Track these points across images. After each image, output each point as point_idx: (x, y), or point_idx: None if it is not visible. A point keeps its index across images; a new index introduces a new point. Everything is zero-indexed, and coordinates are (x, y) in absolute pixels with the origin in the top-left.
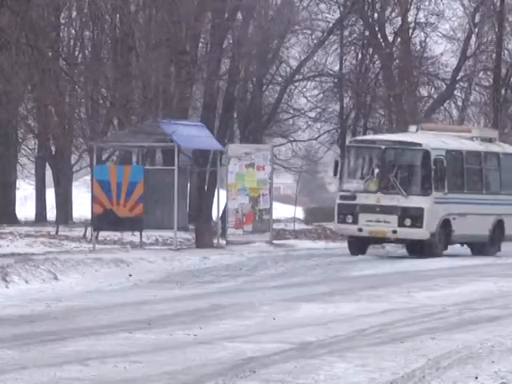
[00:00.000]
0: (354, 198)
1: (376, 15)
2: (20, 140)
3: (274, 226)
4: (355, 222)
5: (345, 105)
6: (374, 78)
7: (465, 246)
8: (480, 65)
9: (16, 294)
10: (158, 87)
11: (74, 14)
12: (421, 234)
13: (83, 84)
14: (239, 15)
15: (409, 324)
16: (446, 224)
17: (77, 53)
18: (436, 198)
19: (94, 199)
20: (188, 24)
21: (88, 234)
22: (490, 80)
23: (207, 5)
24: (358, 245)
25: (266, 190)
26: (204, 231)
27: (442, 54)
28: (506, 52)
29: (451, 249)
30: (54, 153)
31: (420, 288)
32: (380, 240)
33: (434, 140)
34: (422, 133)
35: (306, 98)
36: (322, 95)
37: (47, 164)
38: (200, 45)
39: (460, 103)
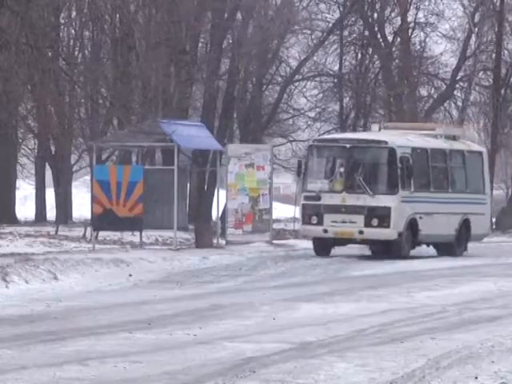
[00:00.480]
0: (318, 198)
1: (376, 15)
2: (20, 140)
3: (274, 225)
4: (320, 223)
5: (344, 105)
6: (374, 78)
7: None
8: (480, 65)
9: (16, 294)
10: (158, 87)
11: (74, 13)
12: (388, 234)
13: (83, 84)
14: (239, 15)
15: (409, 324)
16: (412, 224)
17: (76, 53)
18: (403, 196)
19: (93, 199)
20: (188, 24)
21: (88, 234)
22: (490, 80)
23: (207, 5)
24: (324, 246)
25: (266, 190)
26: (204, 231)
27: (441, 53)
28: (506, 52)
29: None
30: (53, 153)
31: (420, 288)
32: (346, 241)
33: (400, 138)
34: (384, 131)
35: (305, 97)
36: (321, 95)
37: (47, 164)
38: (200, 45)
39: (460, 103)
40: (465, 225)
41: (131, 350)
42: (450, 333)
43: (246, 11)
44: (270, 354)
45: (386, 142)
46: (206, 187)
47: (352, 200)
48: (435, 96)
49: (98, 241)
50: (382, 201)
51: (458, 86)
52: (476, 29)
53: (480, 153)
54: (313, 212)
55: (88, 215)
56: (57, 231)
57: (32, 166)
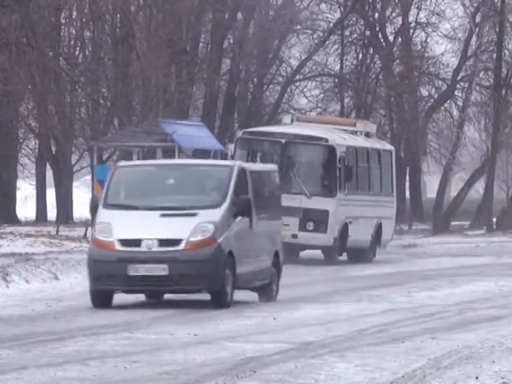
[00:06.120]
0: None
1: (377, 15)
2: (20, 140)
3: None
4: None
5: (345, 105)
6: (375, 78)
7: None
8: (480, 65)
9: (16, 294)
10: (159, 87)
11: (75, 13)
12: (325, 239)
13: (84, 84)
14: (240, 15)
15: (409, 324)
16: (344, 229)
17: (77, 53)
18: (339, 199)
19: None
20: (189, 24)
21: (88, 234)
22: (491, 80)
23: (208, 4)
24: None
25: None
26: None
27: (442, 53)
28: (507, 52)
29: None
30: (54, 153)
31: (420, 288)
32: None
33: (335, 135)
34: (297, 124)
35: (306, 97)
36: (322, 95)
37: (48, 164)
38: (201, 44)
39: (460, 103)
40: (378, 229)
41: (132, 350)
42: (450, 333)
43: (246, 11)
44: (270, 353)
45: (326, 140)
46: None
47: (286, 200)
48: (436, 96)
49: None
50: (320, 203)
51: (458, 86)
52: (477, 29)
53: (390, 152)
54: None
55: (88, 215)
56: (57, 231)
57: (33, 166)
